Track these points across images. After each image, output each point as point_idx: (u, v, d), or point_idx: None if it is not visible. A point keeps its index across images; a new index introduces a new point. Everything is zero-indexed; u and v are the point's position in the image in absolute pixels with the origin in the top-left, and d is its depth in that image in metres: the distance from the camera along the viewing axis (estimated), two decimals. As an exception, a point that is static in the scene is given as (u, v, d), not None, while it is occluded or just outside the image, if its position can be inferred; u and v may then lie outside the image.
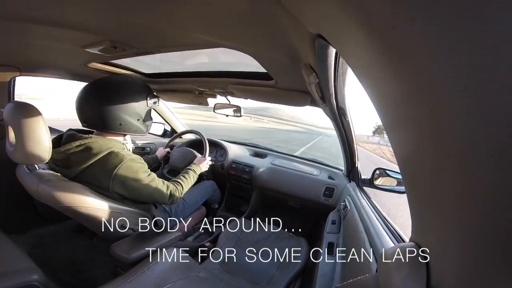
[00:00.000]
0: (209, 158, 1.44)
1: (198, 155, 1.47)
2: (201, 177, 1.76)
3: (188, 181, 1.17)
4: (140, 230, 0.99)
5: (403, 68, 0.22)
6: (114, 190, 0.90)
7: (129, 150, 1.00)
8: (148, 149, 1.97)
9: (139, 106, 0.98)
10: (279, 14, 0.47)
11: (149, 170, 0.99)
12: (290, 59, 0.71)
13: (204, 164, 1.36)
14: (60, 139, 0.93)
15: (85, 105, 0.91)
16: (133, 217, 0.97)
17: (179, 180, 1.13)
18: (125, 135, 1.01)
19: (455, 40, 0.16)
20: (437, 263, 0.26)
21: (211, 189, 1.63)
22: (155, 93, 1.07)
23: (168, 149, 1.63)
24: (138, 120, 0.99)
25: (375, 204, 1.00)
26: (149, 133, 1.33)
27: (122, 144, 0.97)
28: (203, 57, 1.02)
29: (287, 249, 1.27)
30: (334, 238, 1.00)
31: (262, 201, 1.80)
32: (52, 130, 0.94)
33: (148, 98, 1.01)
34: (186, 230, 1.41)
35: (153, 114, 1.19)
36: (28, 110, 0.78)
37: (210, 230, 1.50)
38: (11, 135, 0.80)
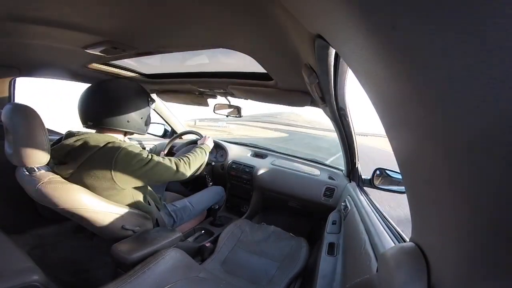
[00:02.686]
0: (209, 136, 1.43)
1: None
2: (204, 179, 1.76)
3: (194, 155, 1.14)
4: (140, 231, 0.99)
5: (403, 68, 0.22)
6: (118, 181, 0.89)
7: None
8: (147, 148, 1.97)
9: (143, 106, 1.03)
10: (279, 14, 0.47)
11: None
12: (290, 60, 0.71)
13: (207, 140, 1.34)
14: (60, 140, 0.94)
15: (92, 104, 0.94)
16: (133, 218, 0.97)
17: (185, 155, 1.13)
18: (125, 134, 1.02)
19: (455, 40, 0.16)
20: (437, 263, 0.26)
21: (219, 196, 1.62)
22: (155, 94, 1.09)
23: (164, 153, 1.62)
24: (141, 118, 1.03)
25: (376, 204, 1.00)
26: (149, 133, 1.34)
27: (120, 141, 0.97)
28: (203, 57, 1.03)
29: (287, 249, 1.27)
30: (334, 238, 1.00)
31: (262, 202, 1.80)
32: (51, 132, 0.94)
33: (149, 99, 1.07)
34: (186, 230, 1.41)
35: (153, 114, 1.19)
36: (25, 112, 0.78)
37: (211, 231, 1.50)
38: (10, 137, 0.80)
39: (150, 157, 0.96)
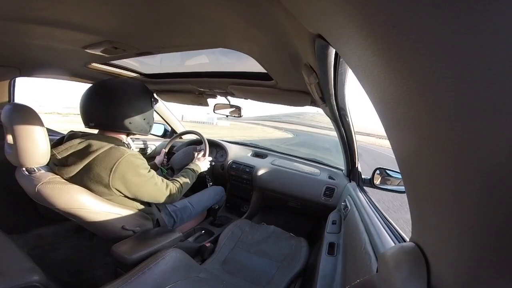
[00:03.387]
0: (210, 158, 1.44)
1: (197, 147, 1.46)
2: (204, 179, 1.76)
3: (187, 180, 1.17)
4: (140, 231, 0.99)
5: (403, 68, 0.22)
6: (114, 187, 0.89)
7: (131, 149, 1.00)
8: (149, 149, 1.97)
9: (146, 107, 1.01)
10: (279, 14, 0.47)
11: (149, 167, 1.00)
12: (290, 59, 0.71)
13: (203, 163, 1.35)
14: (62, 141, 0.93)
15: (94, 105, 0.92)
16: (133, 218, 0.97)
17: (178, 179, 1.14)
18: (128, 134, 1.02)
19: (455, 40, 0.16)
20: (437, 263, 0.26)
21: (219, 196, 1.62)
22: (155, 94, 1.08)
23: (165, 151, 1.62)
24: (144, 119, 1.01)
25: (376, 203, 1.00)
26: (149, 133, 1.34)
27: (123, 143, 0.97)
28: (203, 57, 1.03)
29: (287, 249, 1.27)
30: (334, 238, 1.00)
31: (262, 202, 1.80)
32: (51, 132, 0.94)
33: (152, 99, 1.05)
34: (186, 230, 1.41)
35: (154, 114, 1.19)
36: (25, 112, 0.78)
37: (211, 231, 1.50)
38: (9, 137, 0.80)
39: (150, 175, 0.96)
